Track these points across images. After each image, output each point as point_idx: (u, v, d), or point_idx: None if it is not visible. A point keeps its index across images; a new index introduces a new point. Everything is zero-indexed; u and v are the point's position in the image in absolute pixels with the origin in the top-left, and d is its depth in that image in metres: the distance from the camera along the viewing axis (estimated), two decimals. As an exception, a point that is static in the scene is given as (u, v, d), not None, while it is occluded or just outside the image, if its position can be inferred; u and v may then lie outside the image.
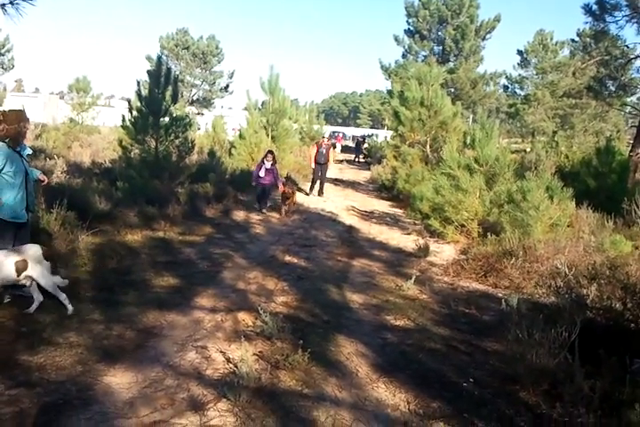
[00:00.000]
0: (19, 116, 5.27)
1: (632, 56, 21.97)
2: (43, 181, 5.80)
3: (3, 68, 33.02)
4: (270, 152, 12.59)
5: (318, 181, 16.29)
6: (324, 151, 16.12)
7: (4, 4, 4.95)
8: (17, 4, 4.97)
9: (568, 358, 3.93)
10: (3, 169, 5.02)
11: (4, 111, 5.32)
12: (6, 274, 4.70)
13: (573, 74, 25.63)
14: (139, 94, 11.24)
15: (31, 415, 3.36)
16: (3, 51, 32.51)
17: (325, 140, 17.47)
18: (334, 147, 25.69)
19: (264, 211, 12.12)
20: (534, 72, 35.88)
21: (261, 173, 12.21)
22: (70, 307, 5.01)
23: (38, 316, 4.91)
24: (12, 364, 3.98)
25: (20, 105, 15.94)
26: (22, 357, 4.10)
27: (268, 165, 12.26)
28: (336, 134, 48.71)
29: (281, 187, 12.14)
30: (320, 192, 16.22)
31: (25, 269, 4.78)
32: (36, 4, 5.12)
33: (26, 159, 5.41)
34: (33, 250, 4.93)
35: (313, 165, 16.28)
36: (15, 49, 33.66)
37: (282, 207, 12.04)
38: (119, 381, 3.89)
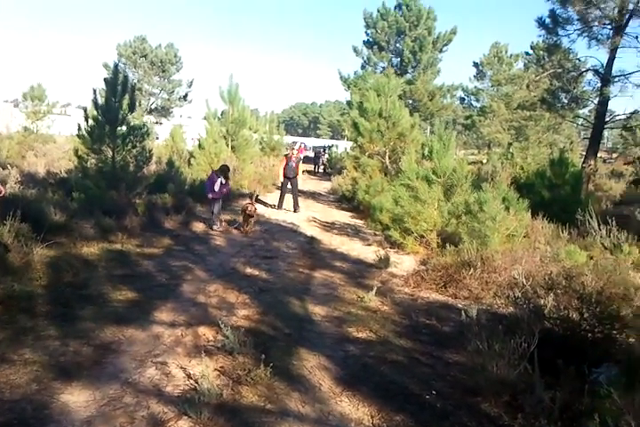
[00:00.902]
0: None
1: (583, 69, 22.68)
2: (0, 193, 5.64)
3: (-47, 75, 32.27)
4: (227, 168, 12.06)
5: (290, 196, 15.32)
6: (294, 165, 15.25)
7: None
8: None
9: (528, 369, 3.99)
10: None
11: None
12: None
13: (527, 86, 26.24)
14: (95, 103, 11.04)
15: (-17, 438, 3.25)
16: (-47, 57, 31.79)
17: (295, 152, 16.47)
18: None
19: (219, 228, 11.41)
20: (490, 84, 36.78)
21: (216, 187, 11.42)
22: None
23: (-10, 333, 4.76)
24: (-38, 383, 3.85)
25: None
26: (-26, 376, 3.97)
27: (223, 180, 11.57)
28: (298, 145, 48.45)
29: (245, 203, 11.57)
30: (295, 207, 15.21)
31: None
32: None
33: None
34: None
35: (281, 179, 15.57)
36: (-34, 56, 32.81)
37: (244, 225, 11.34)
38: (76, 399, 3.79)
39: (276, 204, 15.65)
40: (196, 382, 4.03)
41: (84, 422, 3.51)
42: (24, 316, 5.23)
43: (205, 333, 5.26)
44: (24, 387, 3.89)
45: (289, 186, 15.39)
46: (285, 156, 16.10)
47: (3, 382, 3.93)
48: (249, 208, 11.23)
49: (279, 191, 15.99)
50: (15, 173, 11.30)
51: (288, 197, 15.45)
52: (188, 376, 4.26)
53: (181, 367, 4.43)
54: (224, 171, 11.78)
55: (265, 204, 16.21)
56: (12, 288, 5.80)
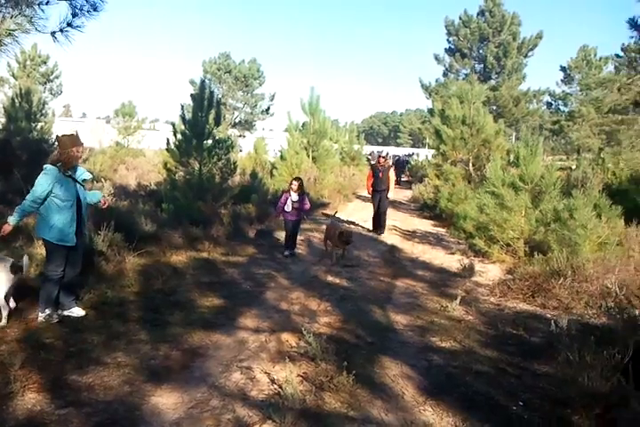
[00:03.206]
0: (72, 141, 5.43)
1: (680, 70, 21.50)
2: (104, 204, 5.93)
3: (52, 93, 34.22)
4: (297, 179, 9.88)
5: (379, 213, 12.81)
6: (381, 175, 12.59)
7: (54, 32, 5.15)
8: (66, 31, 5.16)
9: (622, 382, 3.79)
10: (51, 192, 5.18)
11: (59, 136, 5.50)
12: None
13: (619, 89, 25.12)
14: (182, 118, 11.48)
15: (80, 435, 3.41)
16: (51, 77, 33.71)
17: (382, 160, 13.12)
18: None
19: (289, 254, 9.68)
20: (578, 88, 35.36)
21: (287, 207, 9.64)
22: (4, 321, 5.10)
23: (87, 336, 5.01)
24: (61, 384, 4.07)
25: (71, 129, 16.39)
26: (71, 376, 4.19)
27: (294, 196, 9.66)
28: (377, 154, 47.62)
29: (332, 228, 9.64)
30: (380, 228, 12.76)
31: None
32: (84, 31, 5.31)
33: (80, 183, 5.54)
34: None
35: (370, 193, 13.10)
36: (63, 75, 34.90)
37: (333, 252, 9.49)
38: (165, 401, 3.93)
39: (376, 228, 12.93)
40: (280, 388, 4.08)
41: (173, 423, 3.63)
42: (117, 321, 5.49)
43: (288, 339, 5.33)
44: (117, 389, 4.07)
45: (378, 201, 12.73)
46: (371, 166, 13.85)
47: (97, 383, 4.12)
48: (345, 232, 9.35)
49: (356, 201, 15.56)
50: (108, 185, 11.84)
51: (366, 205, 14.61)
52: (272, 381, 4.32)
53: (265, 372, 4.50)
54: (292, 183, 9.84)
55: (340, 220, 15.96)
56: (106, 295, 6.13)
